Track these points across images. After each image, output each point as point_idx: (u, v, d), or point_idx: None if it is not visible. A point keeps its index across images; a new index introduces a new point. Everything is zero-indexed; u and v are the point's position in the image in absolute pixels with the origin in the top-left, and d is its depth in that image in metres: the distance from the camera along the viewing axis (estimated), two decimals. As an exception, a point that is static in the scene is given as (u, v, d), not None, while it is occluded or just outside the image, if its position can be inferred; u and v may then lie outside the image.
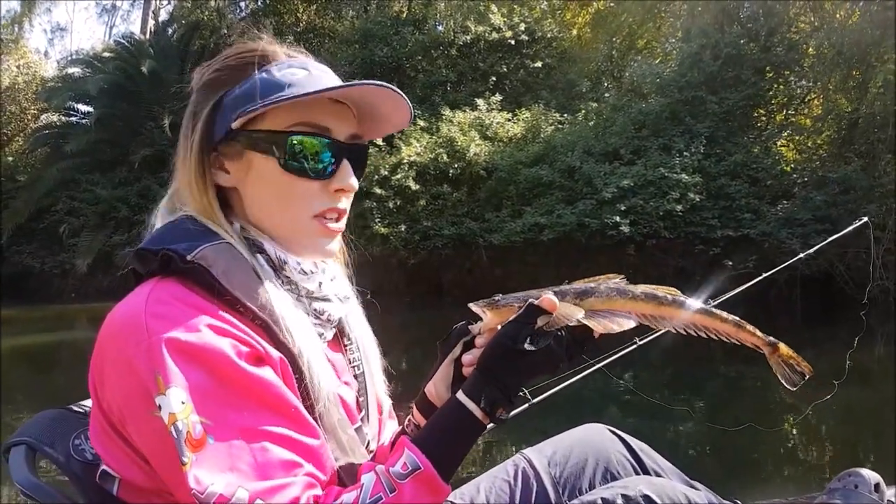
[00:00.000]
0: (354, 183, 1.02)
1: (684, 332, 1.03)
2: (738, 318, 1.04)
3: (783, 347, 1.06)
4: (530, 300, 0.97)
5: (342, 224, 1.05)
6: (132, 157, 16.38)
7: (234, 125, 0.97)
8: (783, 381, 1.07)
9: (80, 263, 15.61)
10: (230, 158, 1.00)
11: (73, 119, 19.29)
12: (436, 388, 1.12)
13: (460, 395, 0.95)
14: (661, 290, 1.02)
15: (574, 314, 0.96)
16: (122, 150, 17.00)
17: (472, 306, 1.05)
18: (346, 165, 1.01)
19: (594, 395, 5.25)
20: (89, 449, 1.03)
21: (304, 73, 0.99)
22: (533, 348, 0.93)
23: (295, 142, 0.97)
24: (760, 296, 9.56)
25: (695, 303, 1.03)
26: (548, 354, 0.95)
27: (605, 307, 1.00)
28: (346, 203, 1.04)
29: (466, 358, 1.06)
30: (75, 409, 1.12)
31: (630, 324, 1.00)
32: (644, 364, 6.13)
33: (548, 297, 0.97)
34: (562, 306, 0.97)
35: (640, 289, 1.02)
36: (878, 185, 10.78)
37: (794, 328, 9.44)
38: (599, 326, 0.98)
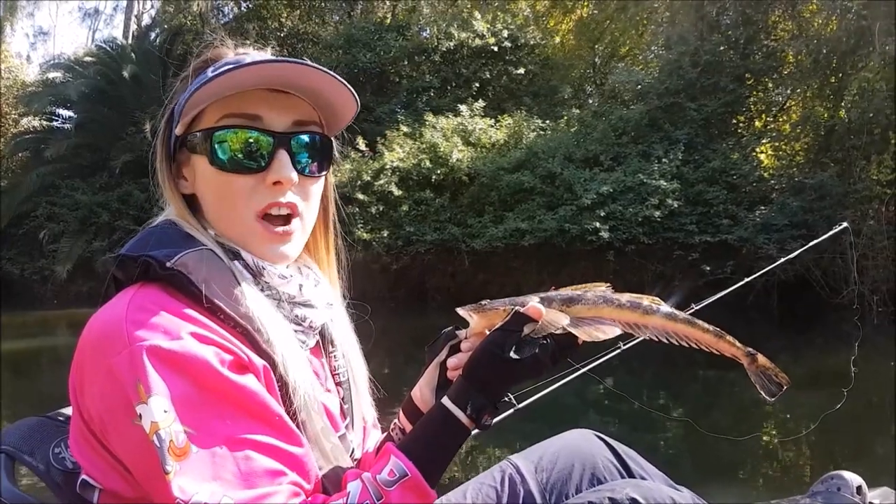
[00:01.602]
0: (290, 174, 0.96)
1: (666, 341, 1.04)
2: (718, 329, 1.06)
3: (761, 358, 1.08)
4: (516, 308, 0.98)
5: (294, 226, 1.00)
6: (113, 162, 16.32)
7: (177, 131, 0.98)
8: (762, 392, 1.08)
9: (59, 270, 15.50)
10: (184, 165, 1.01)
11: (54, 124, 19.16)
12: (421, 391, 1.12)
13: (446, 402, 0.95)
14: (645, 300, 1.04)
15: (560, 321, 0.97)
16: (103, 156, 16.93)
17: (460, 310, 1.05)
18: (281, 156, 0.96)
19: (574, 399, 5.28)
20: (69, 457, 1.01)
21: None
22: (519, 357, 0.94)
23: (217, 137, 0.94)
24: (738, 300, 9.66)
25: (678, 313, 1.05)
26: (533, 362, 0.94)
27: (590, 315, 1.01)
28: (293, 196, 0.99)
29: (451, 361, 1.07)
30: (55, 416, 1.10)
31: (615, 332, 1.01)
32: (625, 367, 6.17)
33: (534, 305, 0.97)
34: (548, 313, 0.97)
35: (626, 297, 1.03)
36: (853, 191, 10.91)
37: (771, 332, 9.54)
38: (584, 334, 0.99)
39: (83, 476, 0.90)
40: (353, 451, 1.09)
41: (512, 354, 0.93)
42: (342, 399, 1.11)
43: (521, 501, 1.25)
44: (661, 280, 11.22)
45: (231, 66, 0.92)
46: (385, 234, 12.84)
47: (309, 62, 0.95)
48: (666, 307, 1.04)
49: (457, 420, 0.93)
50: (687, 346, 1.04)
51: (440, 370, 1.10)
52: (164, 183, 1.01)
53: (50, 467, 1.01)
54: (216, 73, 0.92)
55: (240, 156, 0.94)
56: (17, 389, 6.97)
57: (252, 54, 1.02)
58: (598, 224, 11.27)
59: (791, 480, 3.90)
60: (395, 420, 1.16)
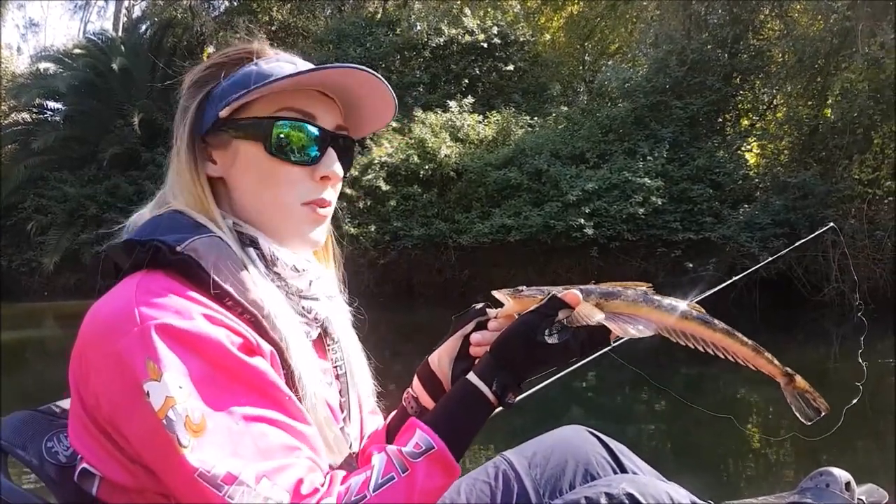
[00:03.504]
0: (339, 170, 1.03)
1: (702, 349, 1.03)
2: (756, 344, 1.04)
3: (799, 380, 1.05)
4: (553, 293, 0.99)
5: (329, 211, 1.06)
6: (101, 154, 16.28)
7: (222, 114, 0.98)
8: (797, 414, 1.07)
9: (46, 262, 15.44)
10: (217, 148, 1.01)
11: (43, 116, 19.07)
12: (439, 358, 1.14)
13: (472, 377, 0.97)
14: (684, 304, 1.03)
15: (594, 316, 0.96)
16: (92, 148, 16.87)
17: (496, 293, 1.06)
18: (331, 153, 1.02)
19: (558, 394, 5.31)
20: (63, 451, 1.02)
21: (291, 66, 1.01)
22: (551, 341, 0.95)
23: (280, 126, 0.98)
24: (721, 297, 9.61)
25: (717, 322, 1.03)
26: (563, 348, 0.96)
27: (628, 312, 1.00)
28: (331, 194, 1.04)
29: (475, 337, 1.09)
30: (46, 410, 1.09)
31: (648, 332, 1.00)
32: (610, 362, 6.16)
33: (572, 293, 0.98)
34: (583, 306, 0.98)
35: (667, 300, 1.02)
36: (835, 190, 10.99)
37: (752, 329, 9.54)
38: (619, 329, 0.98)
39: (83, 465, 0.90)
40: (350, 445, 1.09)
41: (544, 337, 0.95)
42: (340, 392, 1.12)
43: (515, 497, 1.25)
44: (645, 277, 11.27)
45: (318, 67, 0.97)
46: (372, 229, 12.85)
47: (376, 74, 1.01)
48: (706, 315, 1.03)
49: (482, 395, 0.95)
50: (723, 356, 1.03)
51: (463, 342, 1.11)
52: (188, 166, 1.00)
53: (43, 461, 1.00)
54: (299, 71, 0.97)
55: (296, 147, 0.99)
56: (3, 381, 6.98)
57: (289, 56, 1.06)
58: (582, 221, 11.31)
59: (774, 476, 3.92)
60: (409, 389, 1.17)
